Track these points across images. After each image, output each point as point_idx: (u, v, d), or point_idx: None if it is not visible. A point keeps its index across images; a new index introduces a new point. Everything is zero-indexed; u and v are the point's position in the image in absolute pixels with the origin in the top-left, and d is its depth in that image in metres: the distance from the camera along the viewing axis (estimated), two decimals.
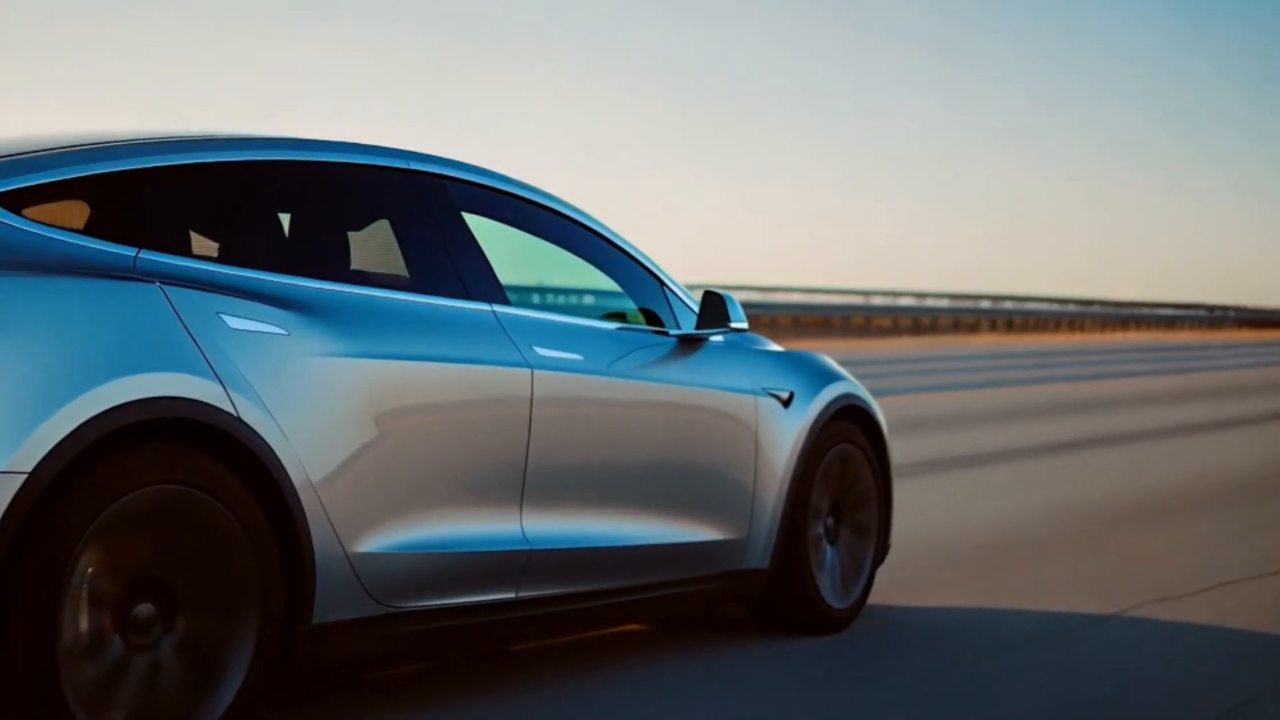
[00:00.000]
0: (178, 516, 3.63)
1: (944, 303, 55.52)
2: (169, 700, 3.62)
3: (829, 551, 5.70)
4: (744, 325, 5.27)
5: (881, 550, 5.98)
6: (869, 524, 5.87)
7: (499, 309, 4.57)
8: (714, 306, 5.20)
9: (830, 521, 5.74)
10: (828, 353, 6.26)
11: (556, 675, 4.90)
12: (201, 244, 4.16)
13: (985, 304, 57.70)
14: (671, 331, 5.21)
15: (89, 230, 3.83)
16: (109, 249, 3.75)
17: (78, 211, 3.90)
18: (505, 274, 4.92)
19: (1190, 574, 6.84)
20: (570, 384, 4.66)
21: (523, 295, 5.20)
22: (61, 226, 3.74)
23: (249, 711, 3.77)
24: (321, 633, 3.96)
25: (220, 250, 4.17)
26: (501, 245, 5.03)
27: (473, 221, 4.84)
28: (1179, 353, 39.18)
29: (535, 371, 4.53)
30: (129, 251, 3.78)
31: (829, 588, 5.64)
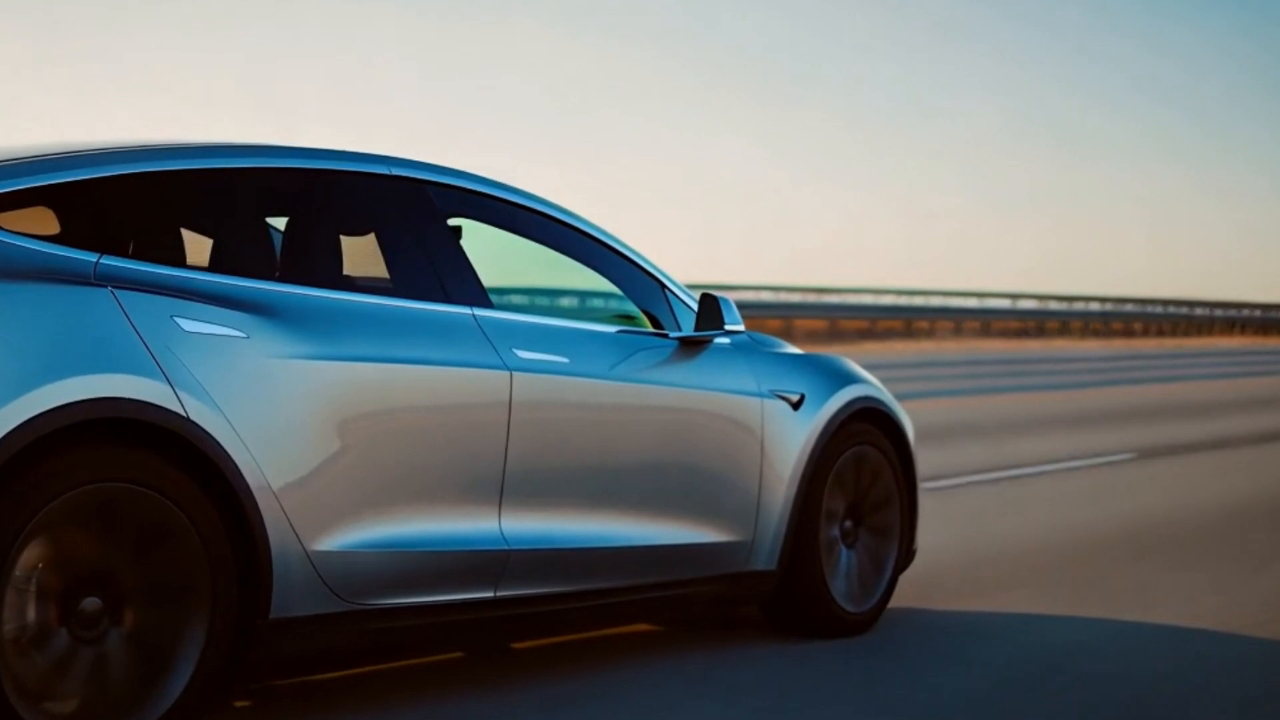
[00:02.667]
0: (124, 513, 3.75)
1: (1094, 306, 53.71)
2: (116, 691, 3.74)
3: (844, 554, 5.67)
4: (739, 327, 5.27)
5: (905, 554, 5.92)
6: (890, 527, 5.82)
7: (480, 312, 4.62)
8: (709, 309, 5.21)
9: (848, 524, 5.70)
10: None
11: (579, 669, 4.96)
12: (175, 250, 4.28)
13: (1131, 307, 55.64)
14: (671, 334, 5.23)
15: (56, 237, 3.98)
16: (70, 254, 3.88)
17: (47, 219, 4.06)
18: (531, 279, 4.98)
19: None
20: (552, 386, 4.70)
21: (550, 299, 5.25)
22: (24, 233, 3.87)
23: (202, 701, 3.89)
24: (281, 627, 4.06)
25: (186, 255, 4.29)
26: (529, 252, 5.12)
27: (475, 228, 4.92)
28: None
29: (514, 374, 4.58)
30: (90, 257, 3.91)
31: (844, 591, 5.61)
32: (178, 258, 4.23)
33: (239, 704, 4.48)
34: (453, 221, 5.03)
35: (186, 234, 4.38)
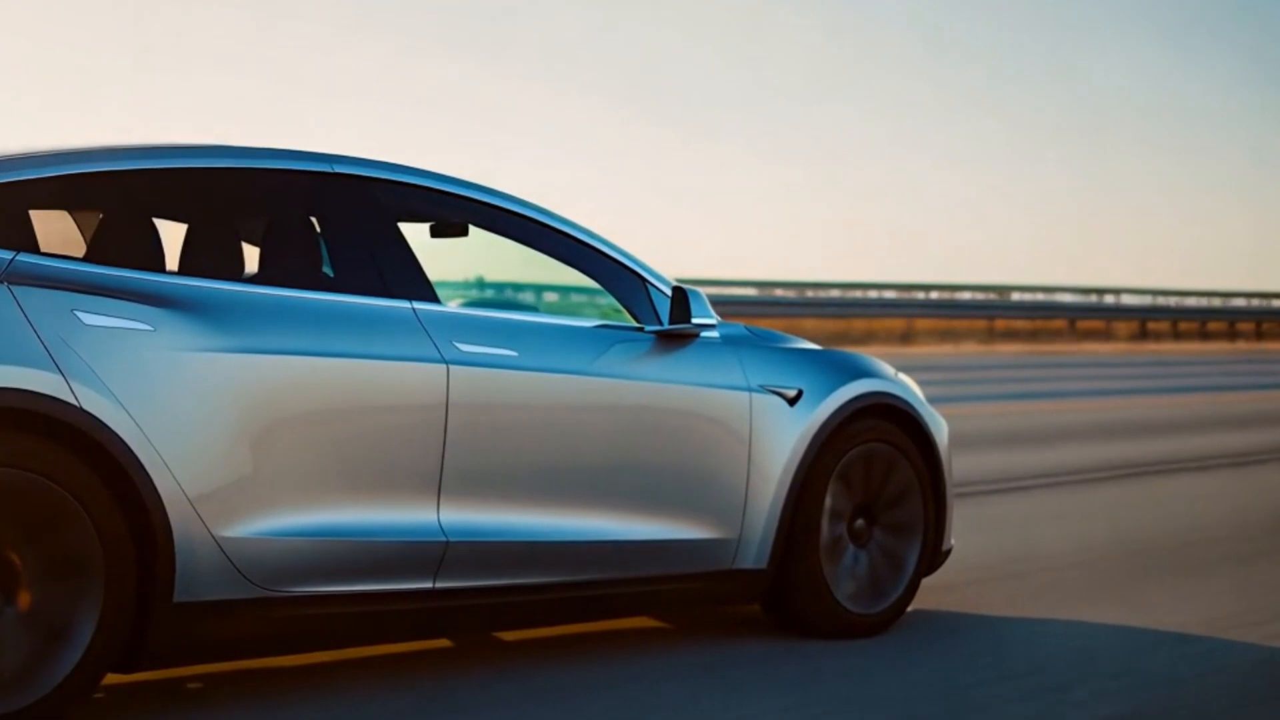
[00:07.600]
0: (15, 498, 3.95)
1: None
2: (7, 667, 3.94)
3: (852, 554, 5.52)
4: (709, 320, 5.19)
5: (932, 555, 5.73)
6: (909, 527, 5.65)
7: (420, 306, 4.68)
8: (679, 303, 5.14)
9: (859, 523, 5.55)
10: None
11: (569, 662, 5.00)
12: (108, 250, 4.44)
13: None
14: (648, 328, 5.18)
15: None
16: None
17: None
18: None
19: None
20: (496, 379, 4.72)
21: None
22: None
23: (98, 677, 4.08)
24: (187, 611, 4.20)
25: (120, 256, 4.40)
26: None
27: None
28: None
29: (452, 367, 4.63)
30: (6, 255, 4.12)
31: (850, 591, 5.46)
32: (106, 257, 4.36)
33: (191, 685, 4.66)
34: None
35: (131, 235, 4.55)
